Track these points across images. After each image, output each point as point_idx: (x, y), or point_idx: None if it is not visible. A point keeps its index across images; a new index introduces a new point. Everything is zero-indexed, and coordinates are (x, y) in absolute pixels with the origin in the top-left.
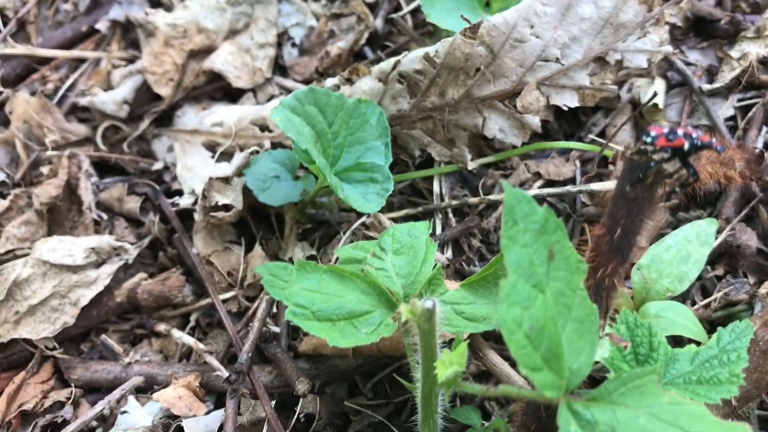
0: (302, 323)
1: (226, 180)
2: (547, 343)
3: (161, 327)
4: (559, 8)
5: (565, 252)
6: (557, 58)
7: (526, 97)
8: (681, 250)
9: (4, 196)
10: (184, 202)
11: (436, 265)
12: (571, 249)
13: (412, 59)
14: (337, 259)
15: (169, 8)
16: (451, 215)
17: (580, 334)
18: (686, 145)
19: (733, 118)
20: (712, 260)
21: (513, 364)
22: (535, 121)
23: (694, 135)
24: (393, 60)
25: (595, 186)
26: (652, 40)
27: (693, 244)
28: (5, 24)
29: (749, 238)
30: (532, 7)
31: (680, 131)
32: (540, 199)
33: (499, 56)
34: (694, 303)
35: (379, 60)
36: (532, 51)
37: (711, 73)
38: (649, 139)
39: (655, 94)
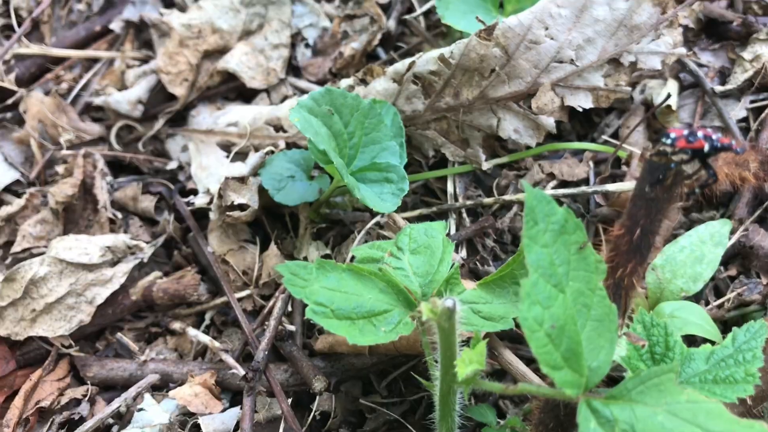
0: (322, 321)
1: (241, 179)
2: (567, 342)
3: (176, 325)
4: (574, 10)
5: (585, 252)
6: (572, 60)
7: (540, 98)
8: (695, 251)
9: (19, 195)
10: (199, 201)
11: (453, 264)
12: (590, 249)
13: (426, 60)
14: (353, 258)
15: (182, 8)
16: (465, 215)
17: (599, 333)
18: (706, 147)
19: (745, 119)
20: (726, 261)
21: (528, 363)
22: (549, 121)
23: (714, 137)
24: (408, 61)
25: (610, 187)
26: (666, 42)
27: (707, 245)
28: (19, 24)
29: (762, 239)
30: (546, 9)
31: (700, 133)
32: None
33: (513, 57)
34: (707, 303)
35: (392, 61)
36: (547, 52)
37: (723, 75)
38: (669, 141)
39: (668, 96)
